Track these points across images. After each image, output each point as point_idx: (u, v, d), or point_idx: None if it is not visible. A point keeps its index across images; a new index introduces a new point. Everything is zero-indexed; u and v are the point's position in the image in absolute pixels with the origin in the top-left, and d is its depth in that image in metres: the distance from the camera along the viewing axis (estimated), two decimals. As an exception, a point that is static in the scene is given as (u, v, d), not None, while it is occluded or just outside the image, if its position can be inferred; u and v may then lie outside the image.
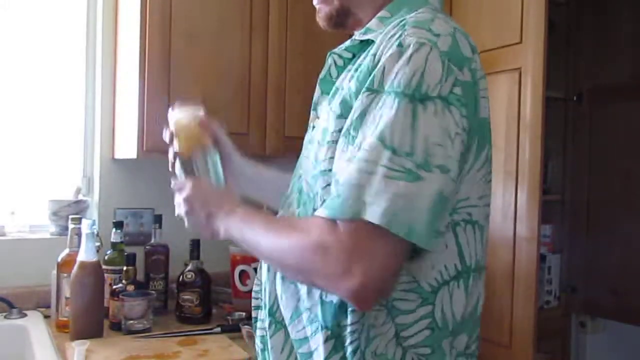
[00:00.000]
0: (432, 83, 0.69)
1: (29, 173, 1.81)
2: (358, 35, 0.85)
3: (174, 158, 0.99)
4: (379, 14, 0.84)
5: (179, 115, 1.00)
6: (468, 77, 0.73)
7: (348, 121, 0.74)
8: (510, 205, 1.60)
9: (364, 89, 0.73)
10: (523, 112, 1.58)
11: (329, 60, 0.89)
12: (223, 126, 1.04)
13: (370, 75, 0.73)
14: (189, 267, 1.65)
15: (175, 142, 0.98)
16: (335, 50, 0.88)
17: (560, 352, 2.14)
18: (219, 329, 1.50)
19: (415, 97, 0.68)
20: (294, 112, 1.75)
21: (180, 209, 0.93)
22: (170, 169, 1.00)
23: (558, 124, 2.15)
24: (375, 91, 0.72)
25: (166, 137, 1.00)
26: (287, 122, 1.76)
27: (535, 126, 1.55)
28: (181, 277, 1.65)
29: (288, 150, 1.72)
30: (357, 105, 0.73)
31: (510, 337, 1.61)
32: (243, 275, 1.76)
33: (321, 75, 0.90)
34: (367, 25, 0.84)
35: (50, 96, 1.84)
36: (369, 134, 0.69)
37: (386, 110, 0.69)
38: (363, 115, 0.72)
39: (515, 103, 1.60)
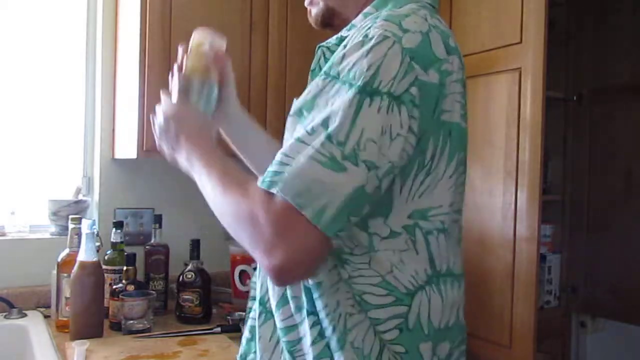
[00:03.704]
0: (386, 79, 0.68)
1: (29, 173, 1.82)
2: (344, 32, 0.85)
3: (177, 71, 0.97)
4: (364, 10, 0.84)
5: (200, 36, 0.98)
6: (434, 79, 0.72)
7: (301, 101, 0.74)
8: (510, 205, 1.60)
9: (321, 73, 0.73)
10: (523, 112, 1.58)
11: (318, 53, 0.89)
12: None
13: (332, 61, 0.73)
14: (189, 267, 1.65)
15: (184, 59, 0.97)
16: (324, 43, 0.88)
17: (560, 352, 2.13)
18: (219, 329, 1.50)
19: (365, 90, 0.68)
20: (294, 112, 1.75)
21: (157, 119, 0.93)
22: (169, 79, 0.98)
23: (558, 124, 2.15)
24: (330, 76, 0.72)
25: (180, 49, 0.98)
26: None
27: (535, 126, 1.55)
28: (181, 277, 1.65)
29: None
30: (312, 86, 0.74)
31: (510, 337, 1.61)
32: (243, 275, 1.77)
33: (312, 67, 0.90)
34: (352, 22, 0.84)
35: (50, 96, 1.84)
36: (317, 118, 0.69)
37: (337, 98, 0.69)
38: (315, 97, 0.72)
39: (515, 103, 1.60)
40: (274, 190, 0.67)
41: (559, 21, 2.07)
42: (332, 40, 0.87)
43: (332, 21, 0.91)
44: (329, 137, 0.67)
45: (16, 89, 1.79)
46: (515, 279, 1.60)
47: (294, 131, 0.73)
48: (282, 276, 0.69)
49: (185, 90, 0.94)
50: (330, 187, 0.66)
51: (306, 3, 0.94)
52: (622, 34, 2.08)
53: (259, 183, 0.70)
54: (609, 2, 2.12)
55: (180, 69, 0.97)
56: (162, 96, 0.95)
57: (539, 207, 1.54)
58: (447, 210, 0.77)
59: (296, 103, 0.76)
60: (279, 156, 0.70)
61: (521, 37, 1.58)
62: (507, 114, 1.62)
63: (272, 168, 0.69)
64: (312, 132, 0.68)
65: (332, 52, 0.87)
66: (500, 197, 1.63)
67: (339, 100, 0.69)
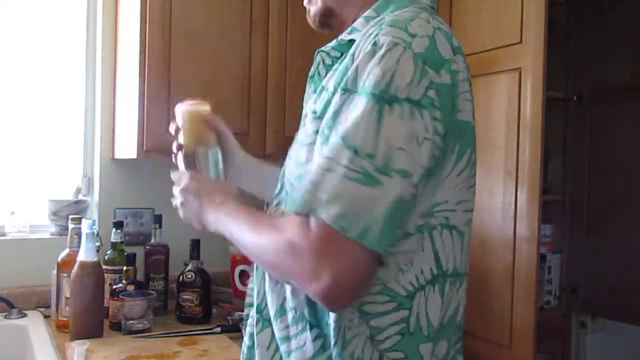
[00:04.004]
0: (402, 85, 0.68)
1: (29, 173, 1.82)
2: (344, 35, 0.84)
3: (177, 150, 1.00)
4: (365, 13, 0.84)
5: (185, 109, 1.01)
6: (446, 79, 0.72)
7: (323, 121, 0.74)
8: (510, 205, 1.60)
9: (339, 89, 0.73)
10: (523, 112, 1.58)
11: (317, 58, 0.89)
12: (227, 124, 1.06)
13: (346, 75, 0.73)
14: (189, 267, 1.65)
15: (180, 136, 0.99)
16: (323, 48, 0.88)
17: (561, 352, 2.14)
18: (219, 329, 1.50)
19: (383, 99, 0.68)
20: (294, 112, 1.75)
21: (176, 199, 0.94)
22: (173, 161, 1.02)
23: (558, 124, 2.15)
24: (348, 91, 0.71)
25: (172, 129, 1.01)
26: (287, 122, 1.76)
27: (535, 126, 1.55)
28: (181, 277, 1.65)
29: (288, 150, 1.71)
30: (331, 105, 0.73)
31: (510, 337, 1.61)
32: (243, 275, 1.77)
33: (310, 74, 0.90)
34: (353, 25, 0.84)
35: (50, 96, 1.84)
36: (339, 134, 0.69)
37: (355, 110, 0.69)
38: (336, 115, 0.72)
39: (515, 103, 1.60)
40: (311, 216, 0.67)
41: (559, 21, 2.07)
42: (331, 44, 0.86)
43: (330, 21, 0.91)
44: (356, 152, 0.67)
45: (16, 89, 1.79)
46: (515, 279, 1.60)
47: (317, 152, 0.73)
48: (332, 300, 0.68)
49: (192, 164, 0.98)
50: (370, 204, 0.65)
51: (305, 2, 0.94)
52: (622, 34, 2.08)
53: (288, 208, 0.70)
54: (609, 2, 2.12)
55: (180, 147, 0.99)
56: (173, 176, 0.97)
57: (539, 207, 1.55)
58: (453, 207, 0.77)
59: (319, 123, 0.75)
60: (308, 180, 0.69)
61: (521, 37, 1.58)
62: (507, 114, 1.62)
63: (301, 192, 0.69)
64: (338, 149, 0.68)
65: (331, 57, 0.87)
66: (500, 197, 1.64)
67: (357, 112, 0.68)
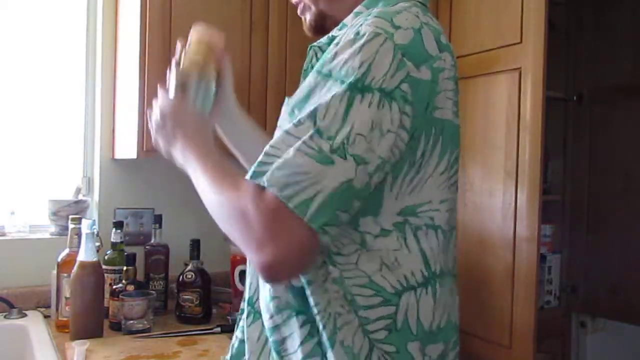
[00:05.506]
0: (378, 75, 0.68)
1: (29, 173, 1.82)
2: (335, 31, 0.85)
3: (175, 66, 0.96)
4: (355, 9, 0.84)
5: (198, 32, 0.97)
6: (426, 76, 0.71)
7: (293, 99, 0.74)
8: (510, 205, 1.60)
9: (313, 71, 0.73)
10: (523, 112, 1.58)
11: (310, 53, 0.89)
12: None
13: (324, 60, 0.73)
14: (189, 267, 1.65)
15: (182, 55, 0.96)
16: (316, 43, 0.88)
17: (561, 352, 2.13)
18: (219, 329, 1.50)
19: (357, 87, 0.68)
20: (294, 112, 1.75)
21: (153, 119, 0.93)
22: (166, 76, 0.98)
23: (558, 124, 2.15)
24: (322, 74, 0.71)
25: (179, 44, 0.98)
26: (287, 122, 1.76)
27: (535, 126, 1.55)
28: (181, 277, 1.65)
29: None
30: (304, 85, 0.73)
31: (510, 337, 1.61)
32: (243, 275, 1.76)
33: (304, 68, 0.90)
34: (344, 21, 0.84)
35: (50, 96, 1.84)
36: (306, 112, 0.69)
37: (327, 94, 0.69)
38: (308, 95, 0.72)
39: (515, 103, 1.60)
40: (260, 182, 0.67)
41: (559, 21, 2.07)
42: (324, 39, 0.87)
43: (325, 25, 0.91)
44: (318, 131, 0.67)
45: (16, 89, 1.79)
46: (515, 279, 1.60)
47: (285, 126, 0.73)
48: (272, 273, 0.68)
49: (182, 86, 0.94)
50: (317, 179, 0.65)
51: (299, 12, 0.94)
52: (622, 33, 2.07)
53: (247, 176, 0.69)
54: (609, 2, 2.11)
55: (178, 64, 0.96)
56: (159, 91, 0.95)
57: (539, 207, 1.54)
58: (437, 206, 0.77)
59: (289, 102, 0.76)
60: (266, 148, 0.69)
61: (521, 37, 1.58)
62: (507, 114, 1.62)
63: (259, 159, 0.69)
64: (300, 125, 0.68)
65: (324, 51, 0.87)
66: (500, 197, 1.64)
67: (329, 97, 0.68)
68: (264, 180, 0.66)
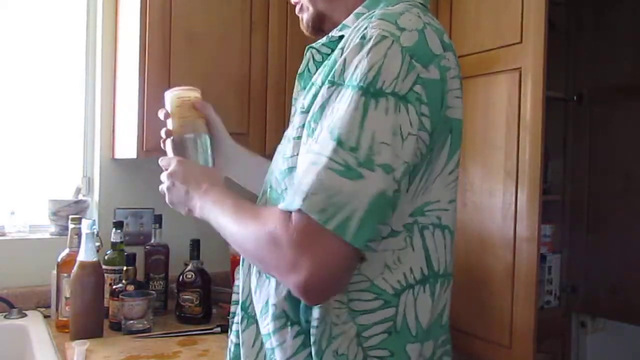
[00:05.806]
0: (389, 79, 0.68)
1: (29, 173, 1.82)
2: (335, 32, 0.84)
3: (166, 136, 0.99)
4: (355, 10, 0.83)
5: (174, 94, 1.00)
6: (435, 75, 0.71)
7: (310, 114, 0.74)
8: (510, 205, 1.60)
9: (326, 82, 0.73)
10: (523, 112, 1.58)
11: (307, 55, 0.89)
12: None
13: (333, 68, 0.72)
14: (189, 267, 1.65)
15: (169, 121, 0.98)
16: (314, 44, 0.88)
17: (561, 352, 2.14)
18: (219, 329, 1.50)
19: (369, 92, 0.67)
20: (294, 112, 1.75)
21: (163, 184, 0.94)
22: (161, 146, 1.00)
23: (558, 124, 2.15)
24: (335, 84, 0.71)
25: (161, 115, 1.00)
26: (287, 122, 1.75)
27: (535, 126, 1.55)
28: (181, 277, 1.65)
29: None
30: (318, 98, 0.73)
31: (510, 337, 1.61)
32: (243, 275, 1.76)
33: (300, 70, 0.90)
34: (344, 22, 0.84)
35: (50, 96, 1.84)
36: (325, 126, 0.69)
37: (341, 103, 0.69)
38: (323, 107, 0.72)
39: (515, 103, 1.60)
40: (293, 208, 0.66)
41: (559, 21, 2.07)
42: (321, 40, 0.86)
43: (323, 26, 0.91)
44: (340, 144, 0.66)
45: (16, 89, 1.79)
46: (515, 279, 1.60)
47: (303, 145, 0.73)
48: (310, 293, 0.67)
49: (180, 150, 0.97)
50: (351, 197, 0.65)
51: (297, 11, 0.94)
52: (622, 33, 2.07)
53: (280, 206, 0.69)
54: (609, 2, 2.12)
55: (168, 133, 0.98)
56: (161, 162, 0.97)
57: (539, 207, 1.54)
58: (445, 206, 0.77)
59: (306, 117, 0.75)
60: (296, 174, 0.70)
61: (521, 37, 1.58)
62: (507, 114, 1.62)
63: (294, 189, 0.69)
64: (324, 142, 0.68)
65: (322, 53, 0.87)
66: (500, 197, 1.64)
67: (343, 105, 0.68)
68: (297, 206, 0.66)
